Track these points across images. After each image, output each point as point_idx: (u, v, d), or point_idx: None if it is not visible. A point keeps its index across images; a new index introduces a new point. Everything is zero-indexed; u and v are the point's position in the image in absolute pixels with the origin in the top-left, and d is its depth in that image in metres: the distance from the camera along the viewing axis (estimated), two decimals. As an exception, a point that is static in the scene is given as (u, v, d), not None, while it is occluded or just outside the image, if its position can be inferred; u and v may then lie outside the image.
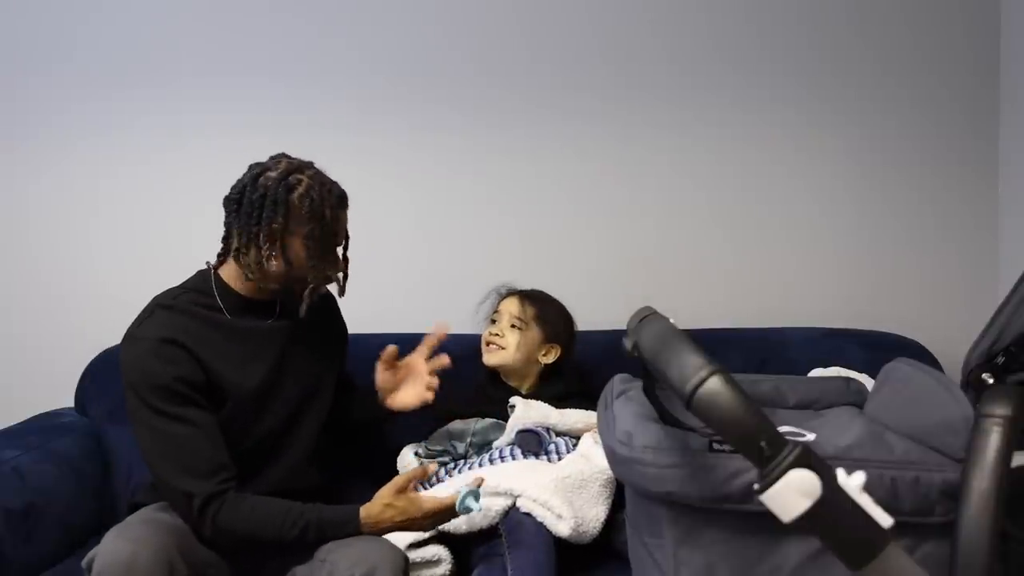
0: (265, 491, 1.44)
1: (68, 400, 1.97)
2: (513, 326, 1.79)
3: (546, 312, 1.82)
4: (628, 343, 1.04)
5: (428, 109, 2.13)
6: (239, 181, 1.50)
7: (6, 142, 2.13)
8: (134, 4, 2.11)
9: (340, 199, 1.51)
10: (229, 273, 1.52)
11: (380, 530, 1.41)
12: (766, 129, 2.16)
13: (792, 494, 0.78)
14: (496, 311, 1.85)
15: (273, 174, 1.46)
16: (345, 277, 1.56)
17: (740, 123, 2.16)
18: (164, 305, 1.48)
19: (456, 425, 1.70)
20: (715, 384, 0.83)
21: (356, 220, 2.17)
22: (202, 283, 1.52)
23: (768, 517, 0.80)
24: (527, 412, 1.68)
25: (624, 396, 1.24)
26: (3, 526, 1.55)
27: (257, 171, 1.48)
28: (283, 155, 1.53)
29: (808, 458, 0.79)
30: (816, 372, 1.84)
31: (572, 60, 2.14)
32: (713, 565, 1.05)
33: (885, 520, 0.79)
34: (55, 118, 2.12)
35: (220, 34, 2.12)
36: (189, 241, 2.14)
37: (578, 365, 1.89)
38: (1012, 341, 1.00)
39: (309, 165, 1.52)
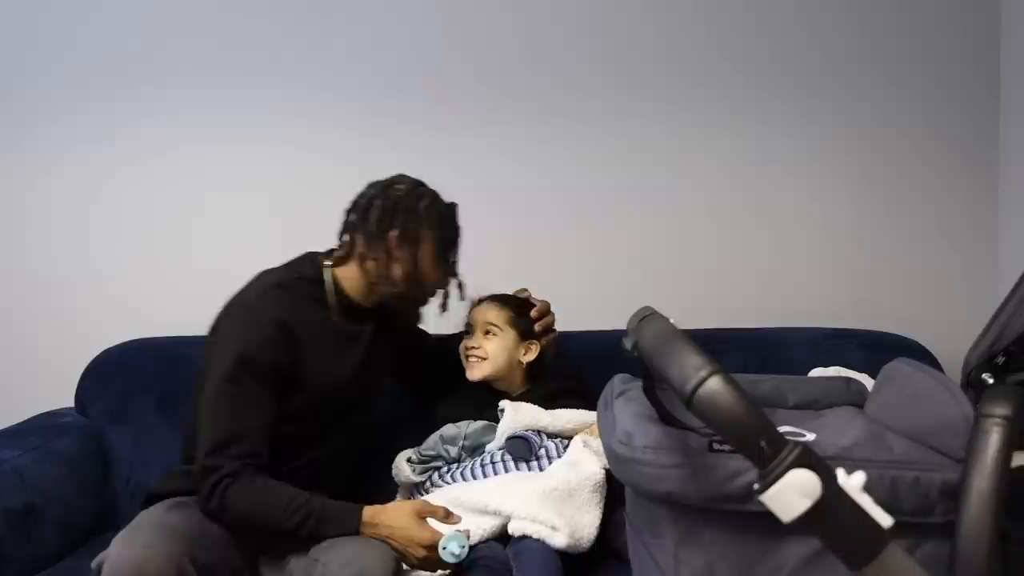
0: (293, 483, 1.46)
1: (68, 400, 1.96)
2: (487, 332, 1.77)
3: (515, 310, 1.80)
4: (628, 343, 1.04)
5: (428, 109, 2.13)
6: (364, 194, 1.60)
7: (6, 142, 2.13)
8: (133, 4, 2.11)
9: (457, 217, 1.66)
10: (346, 275, 1.59)
11: (375, 536, 1.42)
12: (766, 129, 2.16)
13: (792, 494, 0.78)
14: (468, 323, 1.82)
15: (402, 186, 1.59)
16: (461, 294, 1.68)
17: (740, 123, 2.16)
18: (281, 285, 1.54)
19: (448, 429, 1.69)
20: (715, 384, 0.83)
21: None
22: (315, 275, 1.58)
23: (768, 517, 0.80)
24: (516, 416, 1.67)
25: (624, 396, 1.24)
26: (3, 526, 1.55)
27: (385, 183, 1.60)
28: (403, 176, 1.63)
29: (808, 458, 0.79)
30: (816, 372, 1.83)
31: (572, 60, 2.14)
32: (713, 565, 1.05)
33: (885, 520, 0.79)
34: (55, 118, 2.13)
35: (219, 34, 2.12)
36: (189, 241, 2.16)
37: (566, 363, 1.88)
38: (1012, 341, 1.00)
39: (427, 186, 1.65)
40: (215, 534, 1.40)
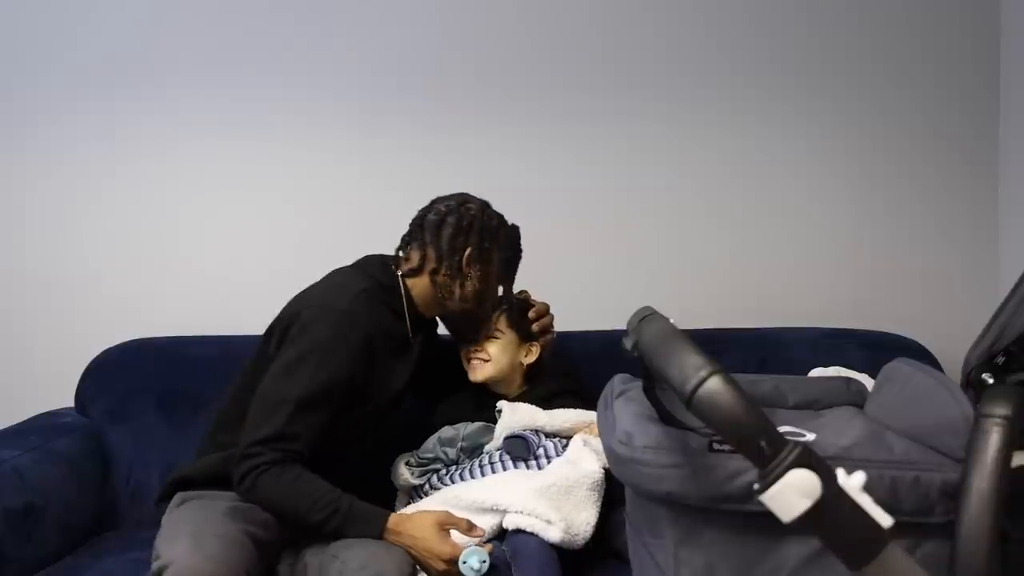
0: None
1: (68, 400, 1.96)
2: (489, 336, 1.77)
3: (517, 314, 1.80)
4: (628, 343, 1.04)
5: (428, 109, 2.14)
6: (433, 209, 1.65)
7: (6, 142, 2.13)
8: (133, 4, 2.11)
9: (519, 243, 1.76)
10: (416, 286, 1.64)
11: (397, 543, 1.43)
12: (766, 129, 2.16)
13: (792, 494, 0.78)
14: None
15: (473, 206, 1.65)
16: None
17: (740, 123, 2.16)
18: (369, 292, 1.57)
19: (446, 431, 1.69)
20: (715, 384, 0.83)
21: (356, 219, 2.18)
22: (390, 282, 1.62)
23: (768, 517, 0.80)
24: (514, 416, 1.67)
25: (624, 396, 1.24)
26: (3, 526, 1.55)
27: (458, 201, 1.66)
28: (468, 195, 1.69)
29: (808, 458, 0.79)
30: (816, 372, 1.83)
31: (572, 60, 2.14)
32: (713, 565, 1.05)
33: (885, 520, 0.79)
34: (54, 118, 2.12)
35: (219, 34, 2.12)
36: (189, 241, 2.16)
37: (565, 363, 1.88)
38: (1012, 341, 1.00)
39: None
40: (268, 540, 1.43)
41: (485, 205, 1.68)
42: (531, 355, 1.80)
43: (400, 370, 1.62)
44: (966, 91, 2.15)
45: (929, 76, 2.15)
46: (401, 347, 1.63)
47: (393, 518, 1.45)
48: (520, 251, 1.75)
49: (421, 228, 1.65)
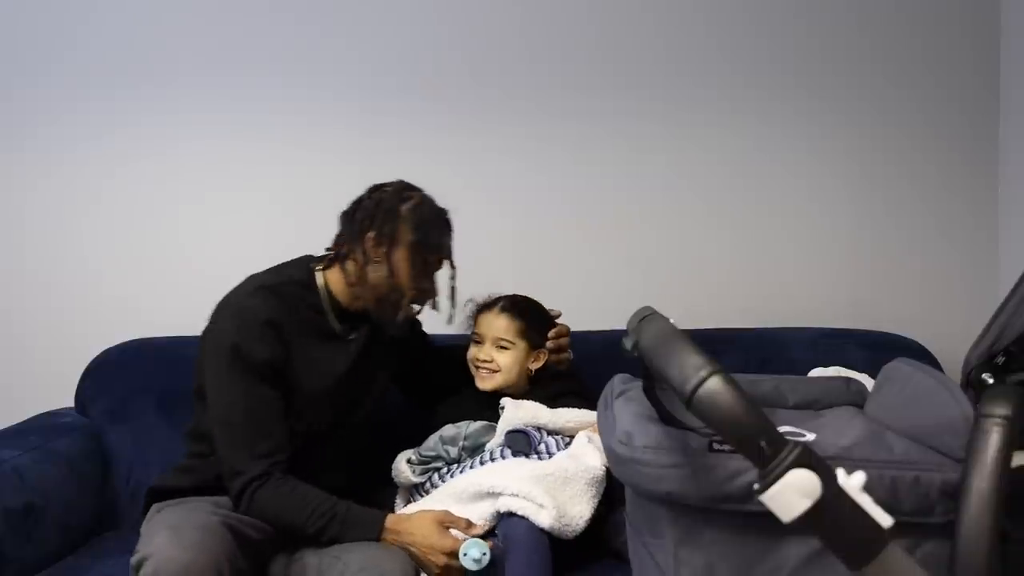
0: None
1: (68, 400, 1.96)
2: (500, 347, 1.76)
3: (528, 322, 1.79)
4: (628, 343, 1.04)
5: (428, 109, 2.13)
6: (358, 196, 1.60)
7: (6, 142, 2.13)
8: (133, 4, 2.11)
9: (447, 223, 1.61)
10: (333, 278, 1.59)
11: (397, 543, 1.43)
12: (766, 129, 2.16)
13: (792, 494, 0.78)
14: (477, 332, 1.79)
15: (389, 189, 1.58)
16: (452, 303, 1.63)
17: (740, 123, 2.16)
18: (270, 288, 1.54)
19: (448, 430, 1.69)
20: (715, 384, 0.83)
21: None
22: (306, 278, 1.59)
23: (768, 517, 0.80)
24: (517, 413, 1.67)
25: (624, 396, 1.24)
26: (3, 526, 1.55)
27: (375, 187, 1.60)
28: (401, 180, 1.62)
29: (808, 458, 0.79)
30: (816, 372, 1.83)
31: (572, 60, 2.14)
32: (713, 565, 1.05)
33: (885, 520, 0.79)
34: (54, 118, 2.12)
35: (219, 34, 2.12)
36: (189, 241, 2.16)
37: (570, 364, 1.88)
38: (1012, 341, 1.00)
39: (422, 190, 1.62)
40: (253, 536, 1.42)
41: (404, 188, 1.59)
42: (538, 361, 1.80)
43: (331, 359, 1.57)
44: (966, 91, 2.15)
45: (929, 76, 2.15)
46: (333, 341, 1.58)
47: (391, 518, 1.45)
48: (440, 234, 1.58)
49: (343, 216, 1.61)
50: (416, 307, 1.62)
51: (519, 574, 1.42)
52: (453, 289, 1.62)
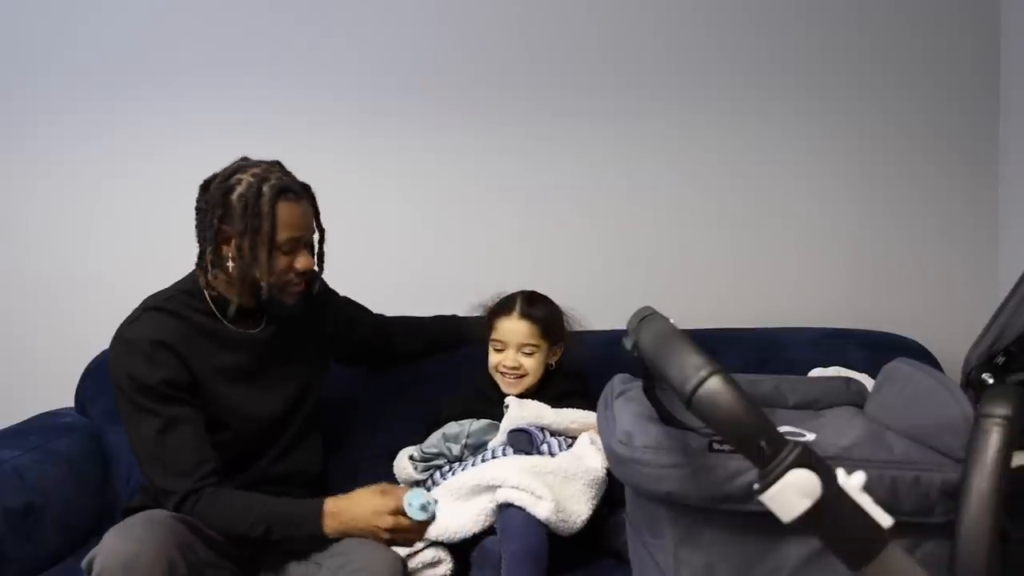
0: (254, 481, 1.48)
1: (68, 400, 1.96)
2: (525, 352, 1.76)
3: (548, 323, 1.79)
4: (628, 343, 1.04)
5: (428, 109, 2.13)
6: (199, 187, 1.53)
7: (6, 142, 2.13)
8: (133, 4, 2.11)
9: (280, 191, 1.46)
10: (216, 279, 1.54)
11: (345, 527, 1.42)
12: (766, 129, 2.16)
13: (792, 494, 0.78)
14: (498, 339, 1.78)
15: (219, 177, 1.49)
16: (316, 276, 1.58)
17: (740, 123, 2.16)
18: (155, 307, 1.51)
19: (451, 428, 1.69)
20: (715, 384, 0.83)
21: (356, 219, 2.18)
22: (193, 286, 1.55)
23: (768, 517, 0.80)
24: (520, 412, 1.67)
25: (624, 396, 1.24)
26: (3, 526, 1.55)
27: (210, 177, 1.51)
28: (242, 159, 1.53)
29: (808, 458, 0.79)
30: (816, 372, 1.83)
31: (572, 60, 2.14)
32: (713, 565, 1.05)
33: (885, 520, 0.79)
34: (55, 118, 2.13)
35: (220, 34, 2.12)
36: (189, 242, 2.15)
37: (575, 364, 1.89)
38: (1012, 341, 1.00)
39: (260, 164, 1.50)
40: (210, 534, 1.41)
41: (231, 174, 1.48)
42: (557, 355, 1.81)
43: (237, 359, 1.53)
44: (966, 91, 2.15)
45: (929, 76, 2.15)
46: (227, 340, 1.53)
47: (329, 503, 1.43)
48: (277, 213, 1.46)
49: None
50: (297, 284, 1.54)
51: (516, 562, 1.41)
52: (321, 254, 1.58)
